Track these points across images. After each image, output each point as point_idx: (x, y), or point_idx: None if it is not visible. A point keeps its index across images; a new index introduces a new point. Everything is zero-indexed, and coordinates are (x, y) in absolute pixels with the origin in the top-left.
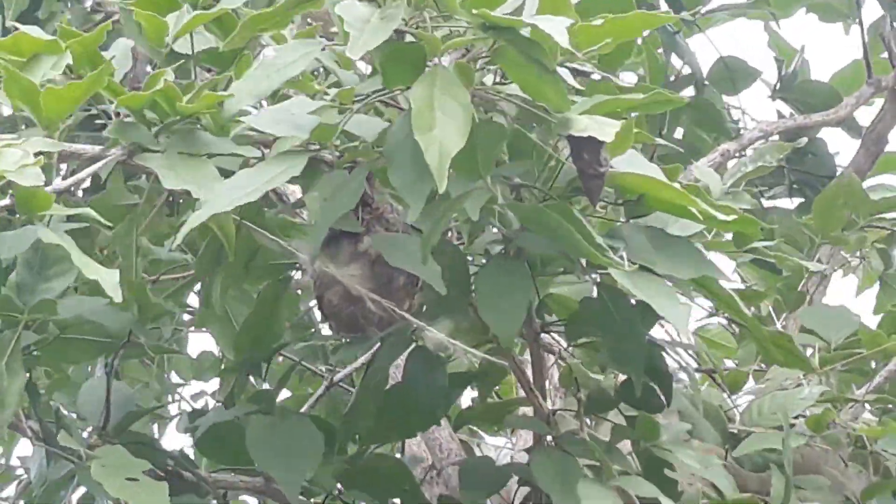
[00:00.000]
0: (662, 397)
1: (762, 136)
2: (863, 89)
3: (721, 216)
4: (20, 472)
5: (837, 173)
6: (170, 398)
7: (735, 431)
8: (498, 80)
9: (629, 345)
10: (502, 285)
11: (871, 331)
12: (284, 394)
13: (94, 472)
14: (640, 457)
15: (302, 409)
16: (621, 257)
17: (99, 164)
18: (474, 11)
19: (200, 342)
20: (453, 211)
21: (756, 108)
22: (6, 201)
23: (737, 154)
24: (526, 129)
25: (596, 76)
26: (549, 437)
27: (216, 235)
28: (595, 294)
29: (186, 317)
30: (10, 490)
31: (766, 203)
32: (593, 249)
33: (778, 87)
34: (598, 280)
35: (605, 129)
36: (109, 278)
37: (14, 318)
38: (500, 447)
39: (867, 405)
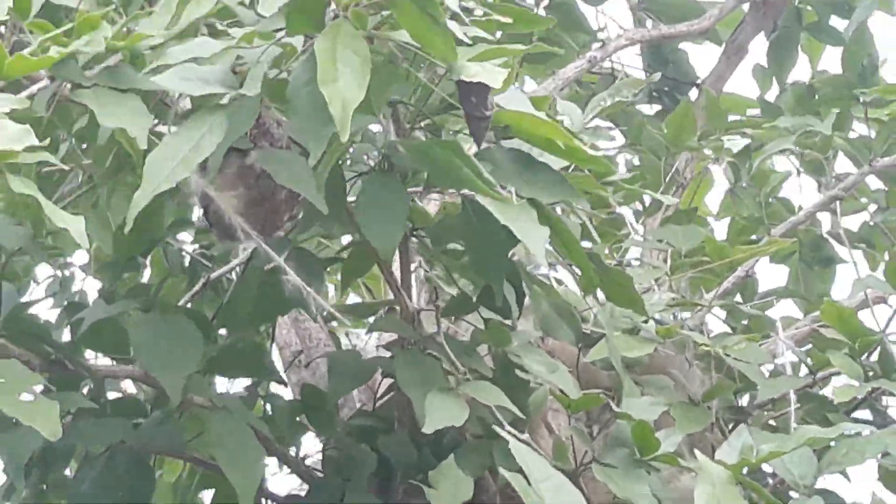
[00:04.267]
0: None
1: (628, 43)
2: (726, 1)
3: (590, 152)
4: None
5: (698, 81)
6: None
7: (588, 332)
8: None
9: (491, 255)
10: (381, 200)
11: (717, 242)
12: None
13: None
14: (494, 359)
15: (181, 302)
16: (510, 192)
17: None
18: None
19: None
20: (349, 146)
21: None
22: None
23: (602, 61)
24: (414, 69)
25: (478, 11)
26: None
27: (122, 148)
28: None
29: None
30: None
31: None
32: (482, 184)
33: None
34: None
35: (494, 76)
36: (76, 226)
37: None
38: (365, 338)
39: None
